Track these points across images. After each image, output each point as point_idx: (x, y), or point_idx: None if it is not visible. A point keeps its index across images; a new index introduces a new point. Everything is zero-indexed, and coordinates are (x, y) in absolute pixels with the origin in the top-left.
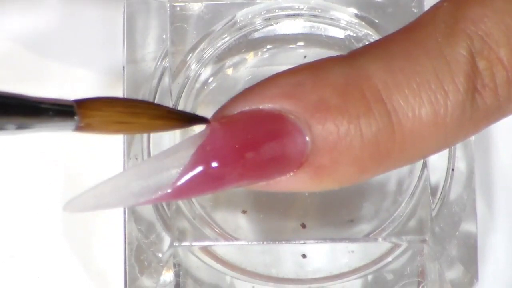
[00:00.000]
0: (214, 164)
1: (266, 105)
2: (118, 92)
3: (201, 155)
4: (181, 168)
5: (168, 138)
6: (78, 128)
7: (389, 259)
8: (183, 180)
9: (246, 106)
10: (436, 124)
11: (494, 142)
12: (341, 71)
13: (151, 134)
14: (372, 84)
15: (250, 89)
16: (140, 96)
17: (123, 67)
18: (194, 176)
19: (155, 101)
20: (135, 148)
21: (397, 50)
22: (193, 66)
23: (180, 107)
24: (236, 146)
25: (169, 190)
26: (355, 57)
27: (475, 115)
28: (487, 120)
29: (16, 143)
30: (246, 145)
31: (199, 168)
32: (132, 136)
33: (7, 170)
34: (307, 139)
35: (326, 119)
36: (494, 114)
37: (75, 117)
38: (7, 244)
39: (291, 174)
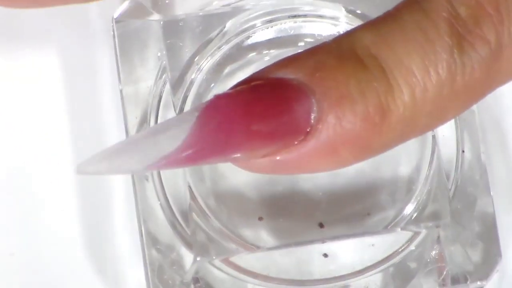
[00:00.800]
0: (221, 121)
1: (268, 76)
2: (118, 114)
3: (207, 113)
4: (188, 129)
5: None
6: None
7: (412, 247)
8: (190, 140)
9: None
10: (428, 72)
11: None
12: (333, 41)
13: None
14: (362, 42)
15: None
16: (142, 115)
17: (120, 90)
18: (202, 133)
19: (159, 116)
20: None
21: (383, 17)
22: (192, 79)
23: None
24: (241, 104)
25: (178, 154)
26: (345, 32)
27: (468, 63)
28: (485, 71)
29: (17, 141)
30: (251, 103)
31: (207, 126)
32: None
33: (8, 166)
34: (312, 100)
35: (326, 77)
36: (490, 63)
37: None
38: (7, 242)
39: (303, 138)
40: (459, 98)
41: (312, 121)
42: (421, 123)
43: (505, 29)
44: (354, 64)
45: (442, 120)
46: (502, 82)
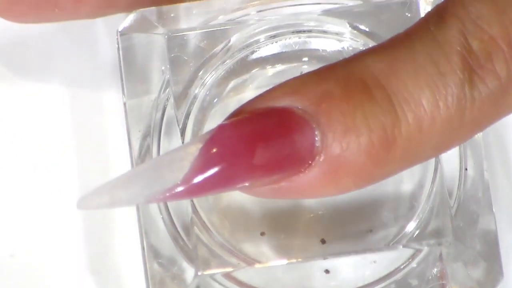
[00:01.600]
0: (224, 154)
1: (273, 104)
2: (122, 127)
3: (211, 146)
4: (192, 162)
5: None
6: None
7: (413, 265)
8: (194, 172)
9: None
10: (437, 106)
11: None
12: (342, 67)
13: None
14: (372, 72)
15: (257, 95)
16: (145, 128)
17: (124, 103)
18: (205, 167)
19: (162, 132)
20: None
21: (393, 43)
22: (195, 93)
23: (187, 135)
24: (245, 136)
25: (181, 187)
26: (354, 56)
27: (478, 97)
28: (493, 104)
29: (18, 141)
30: (254, 135)
31: (210, 159)
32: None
33: (9, 167)
34: (316, 131)
35: (332, 109)
36: (499, 98)
37: None
38: (7, 243)
39: (305, 167)
40: (465, 130)
41: (315, 151)
42: (425, 154)
43: None
44: (361, 95)
45: (446, 150)
46: (509, 113)
